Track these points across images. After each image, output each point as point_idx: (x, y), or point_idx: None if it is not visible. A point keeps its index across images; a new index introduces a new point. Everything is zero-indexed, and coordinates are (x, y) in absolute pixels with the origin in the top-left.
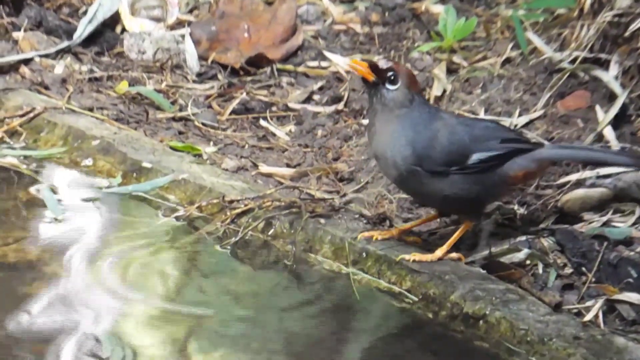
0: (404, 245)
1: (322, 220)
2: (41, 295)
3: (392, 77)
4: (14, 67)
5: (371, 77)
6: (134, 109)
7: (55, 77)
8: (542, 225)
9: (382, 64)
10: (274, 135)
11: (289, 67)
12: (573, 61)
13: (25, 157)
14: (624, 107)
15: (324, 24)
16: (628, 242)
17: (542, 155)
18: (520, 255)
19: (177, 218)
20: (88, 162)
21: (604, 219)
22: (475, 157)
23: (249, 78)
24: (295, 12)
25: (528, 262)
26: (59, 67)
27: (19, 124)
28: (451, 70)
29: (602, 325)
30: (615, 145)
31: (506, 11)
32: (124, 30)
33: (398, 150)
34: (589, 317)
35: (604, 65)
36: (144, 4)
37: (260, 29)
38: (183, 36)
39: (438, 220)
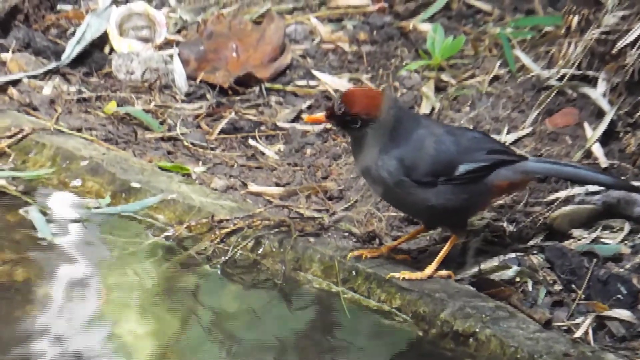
0: (393, 263)
1: (312, 239)
2: (31, 317)
3: (349, 120)
4: (2, 89)
5: (333, 123)
6: (122, 129)
7: (44, 98)
8: (531, 243)
9: (336, 108)
10: (263, 154)
11: (278, 86)
12: (561, 78)
13: (14, 178)
14: (612, 124)
15: (312, 43)
16: (617, 258)
17: (526, 167)
18: (509, 273)
19: (166, 238)
20: (77, 182)
21: (593, 235)
22: (462, 168)
23: (237, 97)
24: (284, 31)
25: (518, 279)
26: (47, 88)
27: (7, 145)
28: (439, 88)
29: (592, 342)
30: (603, 162)
31: (494, 29)
32: (112, 50)
33: (382, 164)
34: (578, 334)
35: (592, 82)
36: (132, 24)
37: (248, 49)
38: (171, 56)
39: (427, 237)
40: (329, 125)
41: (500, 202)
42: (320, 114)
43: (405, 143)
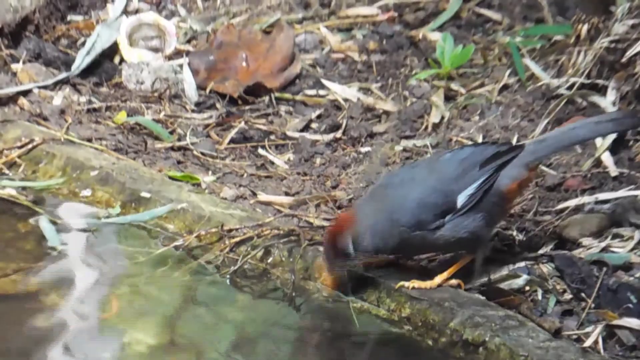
0: (403, 272)
1: (321, 248)
2: (41, 327)
3: (346, 253)
4: (12, 99)
5: (345, 270)
6: (132, 139)
7: (54, 108)
8: (541, 251)
9: (329, 261)
10: (272, 163)
11: (287, 95)
12: (570, 87)
13: (24, 188)
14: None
15: (322, 53)
16: (627, 267)
17: (527, 158)
18: (519, 282)
19: (176, 247)
20: (87, 192)
21: (603, 244)
22: (462, 197)
23: (247, 107)
24: (293, 41)
25: (527, 288)
26: (58, 98)
27: (17, 155)
28: (449, 97)
29: (602, 351)
30: (613, 170)
31: (503, 38)
32: (122, 60)
33: (393, 234)
34: (588, 343)
35: (601, 91)
36: (142, 34)
37: (258, 58)
38: (181, 66)
39: None
40: (338, 135)
41: (514, 204)
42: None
43: (404, 212)
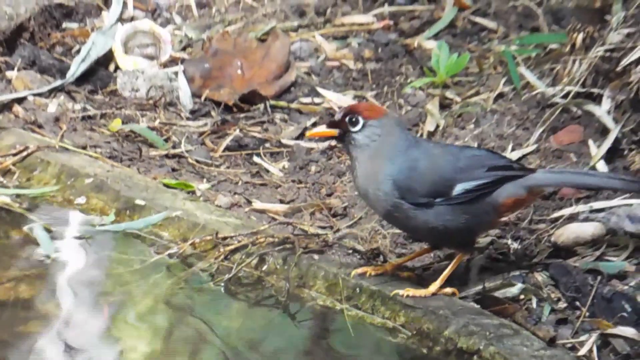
0: (397, 280)
1: (316, 256)
2: (35, 335)
3: (353, 119)
4: (7, 107)
5: (335, 133)
6: (127, 146)
7: (49, 115)
8: (535, 260)
9: (337, 116)
10: (267, 171)
11: (282, 103)
12: (565, 96)
13: (18, 195)
14: (617, 141)
15: (317, 61)
16: (622, 276)
17: (531, 181)
18: (514, 290)
19: (170, 255)
20: (81, 200)
21: (598, 253)
22: (460, 187)
23: (242, 115)
24: (288, 49)
25: (522, 296)
26: (53, 106)
27: (12, 162)
28: (444, 105)
29: (596, 359)
30: None
31: (499, 47)
32: (117, 68)
33: (379, 186)
34: (583, 351)
35: (597, 99)
36: (137, 42)
37: (253, 66)
38: (176, 74)
39: (432, 254)
40: (333, 143)
41: (504, 219)
42: (322, 127)
43: (400, 164)
